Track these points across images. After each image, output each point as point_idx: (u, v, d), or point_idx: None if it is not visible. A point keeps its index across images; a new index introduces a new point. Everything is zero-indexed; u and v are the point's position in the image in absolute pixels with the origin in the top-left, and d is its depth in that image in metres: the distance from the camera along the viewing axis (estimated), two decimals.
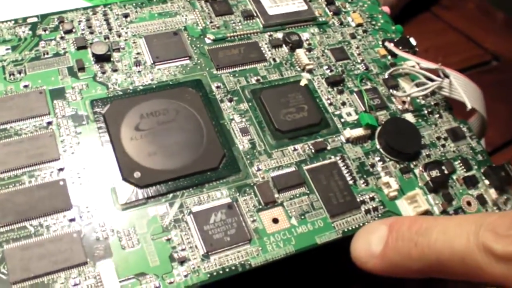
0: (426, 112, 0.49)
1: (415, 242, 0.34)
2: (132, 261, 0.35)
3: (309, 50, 0.50)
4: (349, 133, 0.45)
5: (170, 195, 0.38)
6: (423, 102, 0.50)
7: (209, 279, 0.36)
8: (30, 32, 0.44)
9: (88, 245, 0.35)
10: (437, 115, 0.50)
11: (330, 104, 0.47)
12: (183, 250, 0.36)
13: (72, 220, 0.36)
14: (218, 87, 0.45)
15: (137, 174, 0.38)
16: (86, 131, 0.40)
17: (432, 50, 0.76)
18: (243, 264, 0.37)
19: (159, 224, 0.37)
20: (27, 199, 0.36)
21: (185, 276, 0.36)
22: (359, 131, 0.45)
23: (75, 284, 0.34)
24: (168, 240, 0.37)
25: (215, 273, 0.36)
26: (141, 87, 0.43)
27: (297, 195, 0.41)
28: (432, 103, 0.50)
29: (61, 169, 0.38)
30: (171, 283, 0.35)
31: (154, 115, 0.41)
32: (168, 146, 0.40)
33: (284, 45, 0.49)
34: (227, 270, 0.36)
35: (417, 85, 0.50)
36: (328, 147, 0.44)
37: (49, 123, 0.40)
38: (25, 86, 0.41)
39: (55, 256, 0.34)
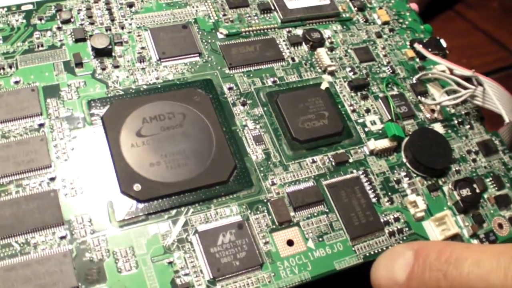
0: (456, 122, 0.45)
1: (444, 273, 0.30)
2: (129, 286, 0.31)
3: (331, 49, 0.45)
4: (374, 144, 0.40)
5: (174, 211, 0.34)
6: (453, 111, 0.46)
7: None
8: (24, 21, 0.40)
9: (80, 267, 0.31)
10: (468, 126, 0.45)
11: (353, 111, 0.42)
12: (186, 275, 0.33)
13: (63, 237, 0.32)
14: (230, 88, 0.40)
15: (137, 187, 0.34)
16: (81, 135, 0.36)
17: (456, 50, 0.71)
18: None
19: (160, 245, 0.33)
20: (13, 212, 0.32)
21: None
22: (385, 143, 0.41)
23: None
24: (170, 263, 0.33)
25: None
26: (144, 87, 0.39)
27: (315, 214, 0.37)
28: (463, 113, 0.46)
29: (52, 179, 0.34)
30: None
31: (158, 119, 0.37)
32: (172, 155, 0.36)
33: (304, 43, 0.45)
34: None
35: (447, 92, 0.45)
36: (350, 160, 0.40)
37: (41, 125, 0.36)
38: (16, 82, 0.37)
39: (42, 279, 0.31)
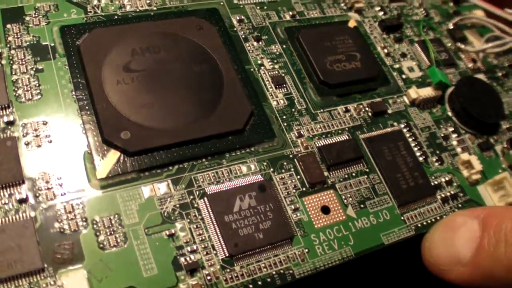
0: (500, 74, 0.36)
1: None
2: (116, 268, 0.21)
3: None
4: (416, 92, 0.31)
5: (174, 168, 0.24)
6: (495, 62, 0.37)
7: None
8: None
9: (47, 241, 0.21)
10: None
11: (387, 54, 0.33)
12: (193, 252, 0.23)
13: (23, 201, 0.22)
14: (240, 20, 0.31)
15: (125, 134, 0.24)
16: (50, 68, 0.26)
17: None
18: (283, 274, 0.23)
19: (157, 211, 0.23)
20: None
21: None
22: (428, 91, 0.32)
23: None
24: (171, 236, 0.23)
25: None
26: (133, 14, 0.29)
27: (354, 174, 0.27)
28: (506, 65, 0.37)
29: (10, 123, 0.23)
30: None
31: (151, 52, 0.27)
32: (170, 95, 0.26)
33: None
34: (259, 283, 0.23)
35: (488, 40, 0.37)
36: (389, 111, 0.30)
37: None
38: None
39: None
